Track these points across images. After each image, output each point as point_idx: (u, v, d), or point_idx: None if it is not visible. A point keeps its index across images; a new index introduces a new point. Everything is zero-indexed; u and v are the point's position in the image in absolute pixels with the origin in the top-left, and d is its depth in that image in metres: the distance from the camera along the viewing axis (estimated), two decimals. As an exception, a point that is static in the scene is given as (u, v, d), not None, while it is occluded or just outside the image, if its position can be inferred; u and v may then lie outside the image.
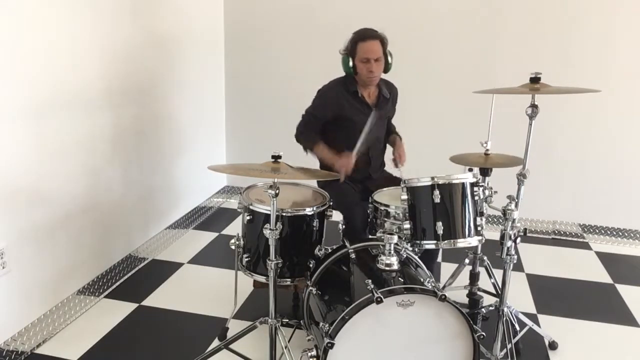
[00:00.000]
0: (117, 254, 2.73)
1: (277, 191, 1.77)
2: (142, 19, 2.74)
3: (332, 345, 1.58)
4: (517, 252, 2.84)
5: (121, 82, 2.60)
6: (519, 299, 2.67)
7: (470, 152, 2.20)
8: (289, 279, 2.10)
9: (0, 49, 1.88)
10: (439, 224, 1.90)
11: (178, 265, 2.96)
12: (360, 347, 1.65)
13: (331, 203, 2.16)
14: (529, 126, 1.97)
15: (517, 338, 2.16)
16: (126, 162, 2.72)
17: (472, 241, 1.93)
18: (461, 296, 2.46)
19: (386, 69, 2.46)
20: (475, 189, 1.93)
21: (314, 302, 1.91)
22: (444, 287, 2.45)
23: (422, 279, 1.76)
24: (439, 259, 3.03)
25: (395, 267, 1.81)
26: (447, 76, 3.44)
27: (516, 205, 1.93)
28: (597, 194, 3.42)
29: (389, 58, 2.44)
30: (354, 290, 1.79)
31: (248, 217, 2.08)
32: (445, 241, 1.91)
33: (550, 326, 2.41)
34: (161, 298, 2.59)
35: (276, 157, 1.81)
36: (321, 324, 1.70)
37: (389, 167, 2.64)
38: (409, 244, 1.97)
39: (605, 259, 3.22)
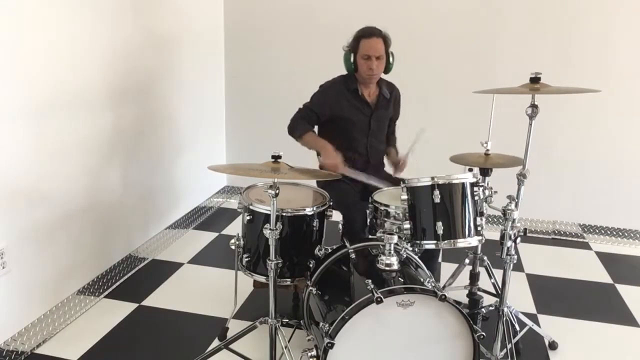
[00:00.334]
0: (117, 254, 2.73)
1: (277, 191, 1.77)
2: (142, 19, 2.74)
3: (332, 345, 1.58)
4: (517, 252, 2.84)
5: (121, 82, 2.61)
6: (519, 299, 2.67)
7: (470, 152, 2.20)
8: (289, 279, 2.10)
9: (1, 49, 1.88)
10: (439, 224, 1.89)
11: (178, 265, 2.96)
12: (360, 347, 1.65)
13: (331, 203, 2.16)
14: (529, 126, 1.97)
15: (517, 338, 2.16)
16: (126, 162, 2.72)
17: (472, 241, 1.93)
18: (461, 296, 2.46)
19: (387, 70, 2.46)
20: (475, 189, 1.92)
21: (314, 302, 1.91)
22: (444, 287, 2.45)
23: (422, 279, 1.76)
24: (439, 259, 3.03)
25: (395, 267, 1.80)
26: (447, 76, 3.44)
27: (516, 205, 1.93)
28: (597, 194, 3.42)
29: (391, 58, 2.44)
30: (354, 290, 1.79)
31: (248, 217, 2.08)
32: (445, 241, 1.91)
33: (550, 326, 2.41)
34: (161, 298, 2.59)
35: (276, 157, 1.81)
36: (321, 324, 1.70)
37: (389, 168, 2.65)
38: (409, 244, 1.97)
39: (605, 259, 3.22)
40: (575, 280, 2.91)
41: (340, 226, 2.24)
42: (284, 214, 2.02)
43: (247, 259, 2.13)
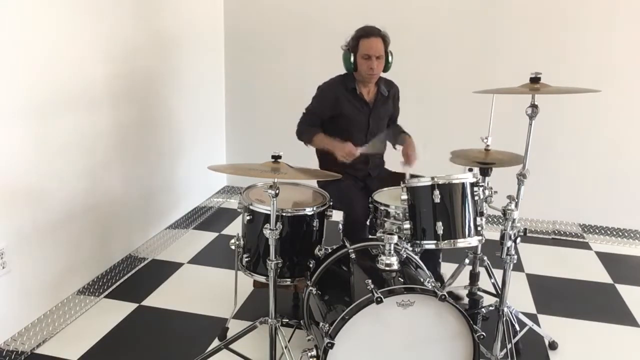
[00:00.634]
0: (117, 254, 2.73)
1: (277, 191, 1.77)
2: (142, 19, 2.74)
3: (332, 345, 1.58)
4: (517, 252, 2.84)
5: (121, 82, 2.61)
6: (519, 299, 2.66)
7: (471, 148, 2.20)
8: (289, 279, 2.10)
9: (1, 49, 1.88)
10: (439, 224, 1.89)
11: (178, 265, 2.96)
12: (360, 347, 1.65)
13: (331, 203, 2.16)
14: (529, 126, 1.97)
15: (517, 338, 2.16)
16: (126, 162, 2.72)
17: (472, 241, 1.93)
18: (461, 296, 2.45)
19: (386, 68, 2.46)
20: (475, 189, 1.92)
21: (314, 302, 1.91)
22: (443, 287, 2.45)
23: (422, 279, 1.76)
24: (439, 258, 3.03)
25: (395, 267, 1.81)
26: (447, 76, 3.44)
27: (516, 205, 1.93)
28: (597, 194, 3.42)
29: (390, 57, 2.44)
30: (354, 290, 1.79)
31: (248, 217, 2.08)
32: (445, 241, 1.91)
33: (550, 326, 2.41)
34: (161, 298, 2.59)
35: (276, 157, 1.81)
36: (321, 324, 1.70)
37: (389, 165, 2.65)
38: (409, 244, 1.97)
39: (605, 259, 3.22)
40: (575, 280, 2.91)
41: (340, 226, 2.24)
42: (284, 214, 2.02)
43: (247, 259, 2.13)
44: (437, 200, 1.89)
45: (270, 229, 1.80)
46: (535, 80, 1.97)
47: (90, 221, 2.47)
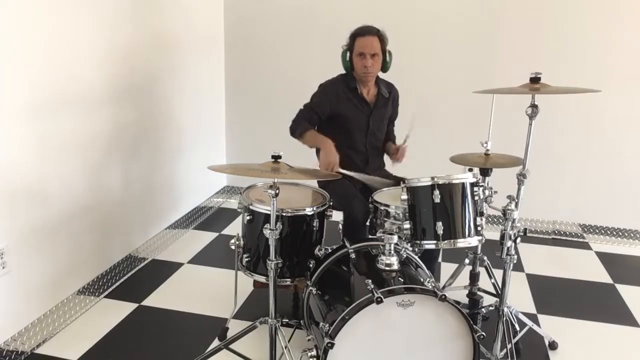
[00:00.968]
0: (117, 254, 2.73)
1: (277, 191, 1.77)
2: (142, 19, 2.74)
3: (332, 345, 1.58)
4: (517, 252, 2.84)
5: (121, 82, 2.61)
6: (519, 299, 2.66)
7: (471, 152, 2.20)
8: (289, 279, 2.10)
9: (1, 49, 1.88)
10: (439, 224, 1.89)
11: (178, 265, 2.96)
12: (361, 347, 1.65)
13: (331, 203, 2.16)
14: (529, 126, 1.97)
15: (517, 338, 2.16)
16: (126, 162, 2.72)
17: (472, 241, 1.93)
18: (461, 296, 2.46)
19: (384, 68, 2.46)
20: (475, 189, 1.92)
21: (314, 302, 1.91)
22: (444, 287, 2.45)
23: (422, 279, 1.76)
24: (439, 259, 3.03)
25: (395, 267, 1.81)
26: (447, 76, 3.44)
27: (516, 205, 1.93)
28: (597, 194, 3.42)
29: (388, 57, 2.44)
30: (354, 290, 1.79)
31: (248, 217, 2.08)
32: (445, 241, 1.91)
33: (550, 326, 2.42)
34: (161, 298, 2.59)
35: (276, 157, 1.81)
36: (321, 324, 1.70)
37: (389, 168, 2.65)
38: (409, 244, 1.97)
39: (605, 259, 3.22)
40: (575, 280, 2.91)
41: (340, 226, 2.24)
42: (284, 214, 2.02)
43: (247, 259, 2.13)
44: (437, 200, 1.89)
45: (270, 229, 1.80)
46: (535, 80, 1.97)
47: (90, 221, 2.47)
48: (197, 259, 3.05)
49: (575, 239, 3.51)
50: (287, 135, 2.51)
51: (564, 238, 3.52)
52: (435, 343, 1.68)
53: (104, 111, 2.49)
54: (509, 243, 1.93)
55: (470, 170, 1.97)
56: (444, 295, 1.60)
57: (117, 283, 2.71)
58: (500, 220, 2.04)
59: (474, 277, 2.39)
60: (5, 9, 1.89)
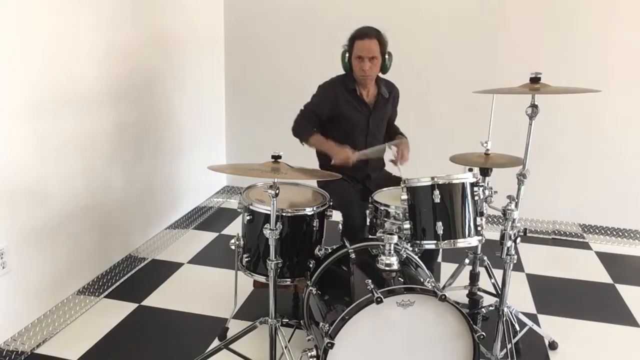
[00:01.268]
0: (117, 254, 2.73)
1: (277, 191, 1.77)
2: (142, 19, 2.74)
3: (332, 345, 1.58)
4: (517, 252, 2.84)
5: (121, 82, 2.61)
6: (519, 299, 2.66)
7: (471, 152, 2.20)
8: (289, 279, 2.10)
9: (1, 49, 1.88)
10: (439, 224, 1.89)
11: (178, 265, 2.96)
12: (360, 347, 1.65)
13: (331, 203, 2.16)
14: (529, 126, 1.97)
15: (517, 338, 2.16)
16: (126, 162, 2.72)
17: (472, 241, 1.93)
18: (461, 296, 2.46)
19: (383, 70, 2.46)
20: (475, 189, 1.92)
21: (314, 302, 1.91)
22: (444, 287, 2.45)
23: (422, 279, 1.76)
24: (439, 259, 3.03)
25: (395, 267, 1.81)
26: (447, 76, 3.44)
27: (516, 205, 1.93)
28: (597, 194, 3.42)
29: (387, 59, 2.44)
30: (354, 290, 1.79)
31: (248, 217, 2.08)
32: (445, 241, 1.91)
33: (550, 326, 2.42)
34: (161, 298, 2.59)
35: (276, 157, 1.81)
36: (321, 324, 1.70)
37: (389, 167, 2.64)
38: (409, 244, 1.97)
39: (605, 259, 3.22)
40: (575, 280, 2.91)
41: (340, 226, 2.24)
42: (284, 214, 2.02)
43: (247, 259, 2.13)
44: (437, 200, 1.89)
45: (270, 229, 1.80)
46: (535, 80, 1.97)
47: (90, 221, 2.47)
48: (197, 259, 3.05)
49: (575, 239, 3.51)
50: (287, 135, 2.51)
51: (564, 238, 3.52)
52: (435, 343, 1.68)
53: (104, 111, 2.49)
54: (509, 243, 1.93)
55: (470, 170, 1.97)
56: (444, 295, 1.60)
57: (117, 283, 2.71)
58: (500, 220, 2.04)
59: (474, 277, 2.39)
60: (5, 9, 1.89)
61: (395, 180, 2.45)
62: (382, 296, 1.57)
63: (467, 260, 2.39)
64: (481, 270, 2.39)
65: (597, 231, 3.48)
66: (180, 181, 3.33)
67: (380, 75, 2.51)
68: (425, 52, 3.43)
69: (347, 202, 2.33)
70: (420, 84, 3.45)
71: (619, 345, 2.31)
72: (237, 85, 3.81)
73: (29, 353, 2.13)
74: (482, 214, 1.95)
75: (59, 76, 2.18)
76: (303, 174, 1.83)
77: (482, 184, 1.96)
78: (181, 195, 3.36)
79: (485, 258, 2.37)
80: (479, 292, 2.39)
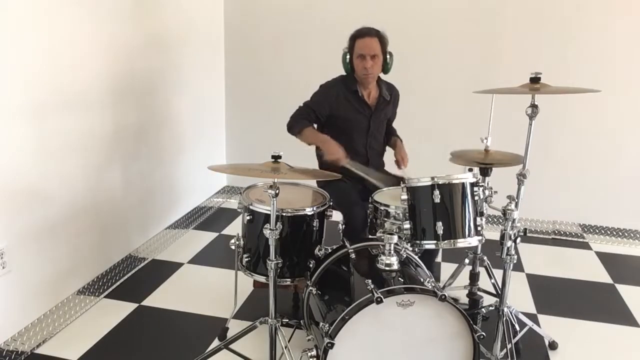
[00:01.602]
0: (117, 254, 2.73)
1: (277, 191, 1.77)
2: (142, 19, 2.74)
3: (332, 345, 1.58)
4: (517, 252, 2.84)
5: (121, 82, 2.61)
6: (519, 299, 2.66)
7: (471, 149, 2.20)
8: (289, 279, 2.10)
9: (1, 49, 1.88)
10: (439, 224, 1.89)
11: (178, 265, 2.96)
12: (360, 347, 1.65)
13: (331, 203, 2.16)
14: (529, 126, 1.97)
15: (517, 338, 2.16)
16: (126, 162, 2.72)
17: (472, 241, 1.93)
18: (461, 296, 2.46)
19: (385, 70, 2.46)
20: (475, 189, 1.92)
21: (314, 302, 1.91)
22: (444, 287, 2.45)
23: (422, 279, 1.76)
24: (439, 259, 3.03)
25: (395, 267, 1.81)
26: (448, 76, 3.44)
27: (516, 205, 1.93)
28: (597, 194, 3.42)
29: (389, 58, 2.44)
30: (354, 290, 1.79)
31: (248, 217, 2.08)
32: (445, 241, 1.91)
33: (550, 326, 2.41)
34: (161, 298, 2.59)
35: (276, 157, 1.81)
36: (321, 324, 1.70)
37: (390, 168, 2.64)
38: (409, 244, 1.97)
39: (605, 259, 3.22)
40: (575, 280, 2.91)
41: (340, 226, 2.24)
42: (284, 214, 2.02)
43: (247, 259, 2.13)
44: (437, 200, 1.89)
45: (270, 229, 1.80)
46: (535, 80, 1.97)
47: (90, 221, 2.47)
48: (197, 259, 3.05)
49: (575, 239, 3.51)
50: (287, 135, 2.51)
51: (564, 238, 3.52)
52: (435, 343, 1.68)
53: (104, 111, 2.49)
54: (509, 243, 1.93)
55: (470, 170, 1.97)
56: (444, 295, 1.60)
57: (117, 283, 2.71)
58: (500, 220, 2.04)
59: (474, 277, 2.39)
60: (5, 9, 1.89)
61: (395, 180, 2.45)
62: (382, 296, 1.57)
63: (467, 260, 2.39)
64: (481, 270, 2.39)
65: (597, 231, 3.48)
66: (180, 181, 3.33)
67: (382, 75, 2.51)
68: (425, 52, 3.43)
69: (348, 203, 2.33)
70: (420, 84, 3.45)
71: (619, 345, 2.30)
72: (237, 85, 3.81)
73: (29, 353, 2.13)
74: (482, 214, 1.95)
75: (59, 76, 2.18)
76: (303, 174, 1.83)
77: (482, 184, 1.96)
78: (181, 195, 3.36)
79: (485, 258, 2.37)
80: (479, 292, 2.39)
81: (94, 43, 2.38)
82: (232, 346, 2.04)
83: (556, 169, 3.43)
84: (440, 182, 1.90)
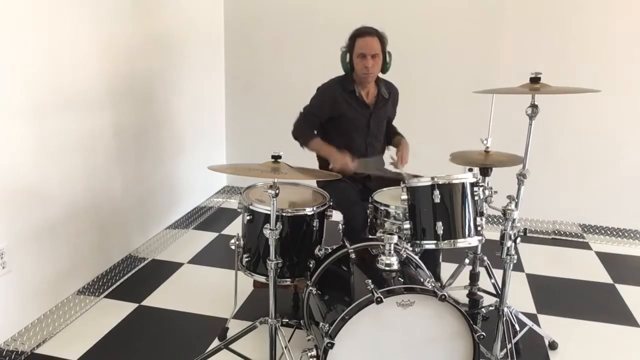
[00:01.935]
0: (117, 254, 2.73)
1: (277, 191, 1.77)
2: (142, 19, 2.74)
3: (332, 345, 1.58)
4: (517, 252, 2.84)
5: (121, 82, 2.61)
6: (519, 299, 2.67)
7: (471, 150, 2.20)
8: (289, 279, 2.10)
9: (1, 49, 1.88)
10: (439, 224, 1.89)
11: (178, 265, 2.96)
12: (360, 347, 1.65)
13: (331, 203, 2.16)
14: (529, 126, 1.97)
15: (517, 338, 2.16)
16: (126, 162, 2.72)
17: (472, 241, 1.93)
18: (461, 296, 2.46)
19: (384, 69, 2.45)
20: (475, 189, 1.92)
21: (314, 302, 1.91)
22: (443, 287, 2.45)
23: (422, 279, 1.76)
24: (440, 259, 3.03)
25: (395, 267, 1.81)
26: (448, 76, 3.44)
27: (516, 205, 1.93)
28: (597, 194, 3.42)
29: (388, 58, 2.44)
30: (354, 290, 1.79)
31: (248, 217, 2.08)
32: (445, 241, 1.91)
33: (550, 326, 2.41)
34: (161, 298, 2.59)
35: (276, 157, 1.81)
36: (321, 324, 1.70)
37: (389, 167, 2.64)
38: (409, 244, 1.97)
39: (605, 259, 3.22)
40: (575, 280, 2.91)
41: (340, 226, 2.24)
42: (284, 214, 2.02)
43: (247, 259, 2.13)
44: (437, 200, 1.89)
45: (270, 229, 1.80)
46: (535, 80, 1.97)
47: (90, 221, 2.47)
48: (197, 259, 3.05)
49: (575, 239, 3.51)
50: (287, 135, 2.51)
51: (564, 238, 3.52)
52: (435, 343, 1.68)
53: (104, 111, 2.49)
54: (509, 243, 1.93)
55: (470, 170, 1.97)
56: (444, 295, 1.60)
57: (117, 283, 2.71)
58: (500, 220, 2.04)
59: (474, 277, 2.39)
60: (5, 9, 1.89)
61: (395, 180, 2.45)
62: (382, 296, 1.57)
63: (467, 260, 2.39)
64: (481, 270, 2.39)
65: (597, 231, 3.48)
66: (180, 181, 3.33)
67: (381, 75, 2.51)
68: (425, 52, 3.43)
69: (348, 203, 2.33)
70: (420, 84, 3.45)
71: (619, 345, 2.30)
72: (237, 85, 3.81)
73: (29, 353, 2.13)
74: (482, 214, 1.95)
75: (59, 76, 2.18)
76: (303, 174, 1.83)
77: (482, 184, 1.96)
78: (181, 195, 3.36)
79: (485, 258, 2.37)
80: (479, 292, 2.39)
81: (94, 43, 2.38)
82: (232, 346, 2.04)
83: (556, 169, 3.43)
84: (440, 182, 1.90)
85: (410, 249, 1.98)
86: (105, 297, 2.59)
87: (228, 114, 3.91)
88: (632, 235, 3.42)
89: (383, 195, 2.21)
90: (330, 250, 2.04)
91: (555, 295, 2.73)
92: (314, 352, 1.68)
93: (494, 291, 2.36)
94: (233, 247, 2.12)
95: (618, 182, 3.36)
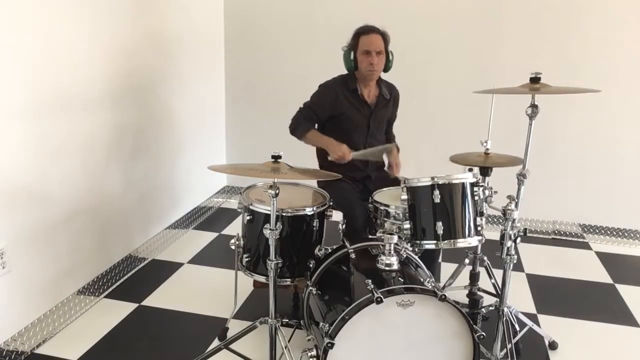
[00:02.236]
0: (117, 254, 2.73)
1: (277, 191, 1.77)
2: (142, 19, 2.74)
3: (332, 345, 1.58)
4: (517, 252, 2.84)
5: (121, 82, 2.61)
6: (519, 299, 2.67)
7: (470, 152, 2.20)
8: (289, 279, 2.10)
9: (1, 49, 1.88)
10: (439, 224, 1.89)
11: (178, 265, 2.96)
12: (360, 347, 1.65)
13: (331, 203, 2.16)
14: (529, 126, 1.97)
15: (517, 338, 2.16)
16: (126, 162, 2.72)
17: (472, 241, 1.93)
18: (461, 296, 2.46)
19: (386, 68, 2.46)
20: (475, 189, 1.92)
21: (314, 302, 1.91)
22: (444, 287, 2.45)
23: (422, 279, 1.76)
24: (439, 259, 3.03)
25: (395, 267, 1.81)
26: (447, 76, 3.44)
27: (516, 205, 1.93)
28: (597, 194, 3.42)
29: (390, 56, 2.44)
30: (354, 290, 1.79)
31: (248, 217, 2.08)
32: (445, 241, 1.91)
33: (550, 326, 2.41)
34: (161, 298, 2.59)
35: (276, 157, 1.81)
36: (321, 324, 1.70)
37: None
38: (409, 244, 1.97)
39: (605, 259, 3.22)
40: (575, 280, 2.91)
41: (340, 226, 2.24)
42: (284, 214, 2.02)
43: (247, 259, 2.13)
44: (437, 200, 1.89)
45: (270, 229, 1.80)
46: (535, 80, 1.97)
47: (90, 221, 2.47)
48: (197, 259, 3.05)
49: (575, 239, 3.51)
50: (287, 135, 2.51)
51: (564, 238, 3.52)
52: (435, 343, 1.68)
53: (103, 111, 2.49)
54: (509, 243, 1.93)
55: (470, 170, 1.97)
56: (444, 295, 1.60)
57: (117, 283, 2.71)
58: (500, 220, 2.04)
59: (474, 277, 2.39)
60: (5, 9, 1.89)
61: (395, 181, 2.45)
62: (382, 296, 1.57)
63: (467, 260, 2.39)
64: (481, 270, 2.39)
65: (597, 231, 3.48)
66: (180, 181, 3.33)
67: (382, 74, 2.51)
68: (425, 52, 3.43)
69: (348, 203, 2.33)
70: (420, 83, 3.45)
71: (619, 345, 2.31)
72: (237, 85, 3.81)
73: (29, 353, 2.13)
74: (482, 214, 1.95)
75: (59, 76, 2.18)
76: (303, 174, 1.83)
77: (482, 184, 1.96)
78: (181, 195, 3.36)
79: (485, 258, 2.37)
80: (479, 292, 2.39)
81: (94, 43, 2.38)
82: (232, 346, 2.04)
83: (556, 169, 3.43)
84: (440, 182, 1.90)
85: (410, 249, 1.98)
86: (105, 297, 2.59)
87: (228, 114, 3.91)
88: (632, 235, 3.42)
89: (383, 195, 2.21)
90: (330, 250, 2.04)
91: (555, 295, 2.73)
92: (314, 352, 1.68)
93: (494, 291, 2.36)
94: (233, 247, 2.12)
95: (618, 182, 3.36)
